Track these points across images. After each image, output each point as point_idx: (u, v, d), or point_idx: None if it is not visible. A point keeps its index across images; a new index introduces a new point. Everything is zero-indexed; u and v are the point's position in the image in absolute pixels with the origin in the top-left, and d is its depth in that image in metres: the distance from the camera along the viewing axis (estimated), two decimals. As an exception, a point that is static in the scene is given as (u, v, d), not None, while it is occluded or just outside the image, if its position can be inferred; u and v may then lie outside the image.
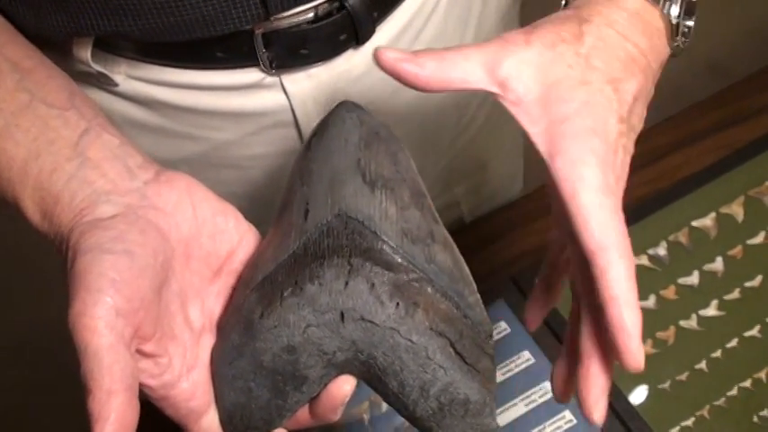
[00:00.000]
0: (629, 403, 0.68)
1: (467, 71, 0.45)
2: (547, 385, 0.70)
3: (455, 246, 0.47)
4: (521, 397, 0.70)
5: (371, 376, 0.45)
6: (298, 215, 0.46)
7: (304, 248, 0.45)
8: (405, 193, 0.46)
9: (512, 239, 0.80)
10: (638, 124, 0.46)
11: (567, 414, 0.69)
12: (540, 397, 0.70)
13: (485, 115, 0.77)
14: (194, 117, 0.62)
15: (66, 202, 0.44)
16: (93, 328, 0.40)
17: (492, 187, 0.86)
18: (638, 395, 0.69)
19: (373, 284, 0.43)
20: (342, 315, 0.43)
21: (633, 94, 0.45)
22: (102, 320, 0.40)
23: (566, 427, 0.69)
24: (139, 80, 0.60)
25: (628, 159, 0.45)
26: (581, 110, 0.43)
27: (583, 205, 0.42)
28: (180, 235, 0.45)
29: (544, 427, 0.69)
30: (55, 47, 0.57)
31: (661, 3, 0.47)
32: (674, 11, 0.48)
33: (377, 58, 0.45)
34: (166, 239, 0.44)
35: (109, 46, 0.58)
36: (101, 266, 0.41)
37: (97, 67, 0.58)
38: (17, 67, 0.47)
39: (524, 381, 0.71)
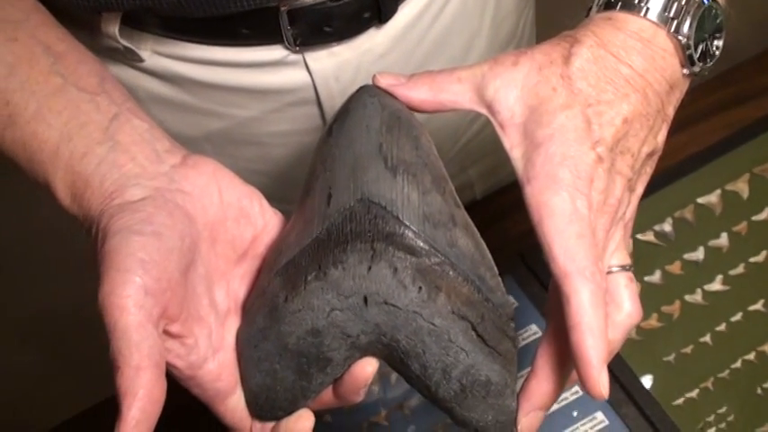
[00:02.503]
0: (634, 376, 0.70)
1: (457, 94, 0.46)
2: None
3: (476, 230, 0.48)
4: (521, 373, 0.71)
5: (394, 358, 0.46)
6: (320, 200, 0.47)
7: (327, 233, 0.45)
8: (426, 178, 0.47)
9: (520, 217, 0.80)
10: (639, 145, 0.46)
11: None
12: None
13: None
14: (218, 93, 0.62)
15: (97, 186, 0.44)
16: (122, 306, 0.40)
17: (505, 170, 0.87)
18: (644, 368, 0.71)
19: (396, 269, 0.44)
20: (365, 299, 0.44)
21: (624, 116, 0.44)
22: (131, 299, 0.40)
23: (572, 399, 0.69)
24: (165, 56, 0.61)
25: (620, 182, 0.45)
26: (555, 136, 0.44)
27: (546, 232, 0.43)
28: (206, 218, 0.46)
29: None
30: (82, 23, 0.58)
31: (668, 23, 0.46)
32: (685, 30, 0.46)
33: (374, 82, 0.47)
34: (193, 222, 0.45)
35: (136, 22, 0.59)
36: (130, 247, 0.41)
37: (125, 42, 0.59)
38: (50, 50, 0.47)
39: (531, 353, 0.72)
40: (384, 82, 0.48)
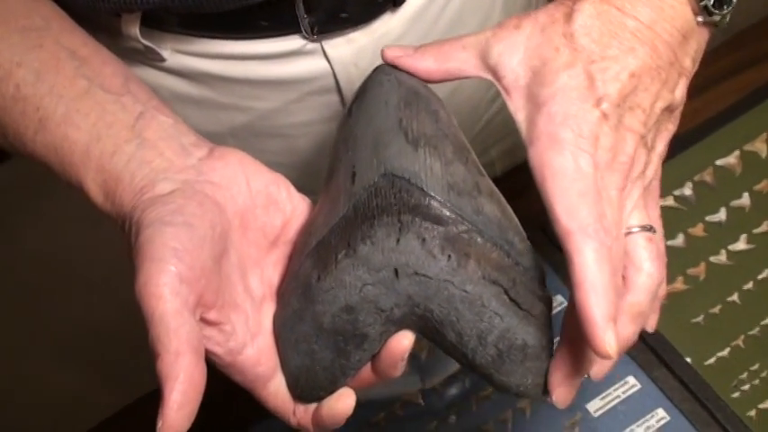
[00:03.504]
0: (663, 338, 0.70)
1: (462, 61, 0.46)
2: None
3: (501, 196, 0.48)
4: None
5: (429, 329, 0.46)
6: (345, 180, 0.47)
7: (354, 211, 0.45)
8: (448, 149, 0.47)
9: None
10: (652, 100, 0.44)
11: (631, 380, 0.69)
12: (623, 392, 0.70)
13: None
14: (239, 87, 0.63)
15: (127, 182, 0.45)
16: (158, 295, 0.41)
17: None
18: (673, 329, 0.71)
19: (424, 239, 0.44)
20: (396, 271, 0.44)
21: (631, 70, 0.43)
22: (167, 287, 0.41)
23: (629, 393, 0.69)
24: (186, 54, 0.61)
25: (632, 139, 0.44)
26: (557, 95, 0.43)
27: (549, 192, 0.43)
28: (236, 207, 0.46)
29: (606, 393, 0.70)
30: (102, 27, 0.58)
31: None
32: None
33: (382, 55, 0.47)
34: (223, 212, 0.45)
35: (155, 22, 0.59)
36: (163, 237, 0.42)
37: (146, 42, 0.59)
38: (75, 54, 0.48)
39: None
40: (391, 54, 0.48)
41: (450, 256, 0.44)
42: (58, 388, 1.60)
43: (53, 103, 0.47)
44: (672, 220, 0.75)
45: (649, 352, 0.69)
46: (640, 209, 0.46)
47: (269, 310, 0.48)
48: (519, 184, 0.82)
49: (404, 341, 0.46)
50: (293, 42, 0.61)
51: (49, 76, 0.47)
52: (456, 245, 0.44)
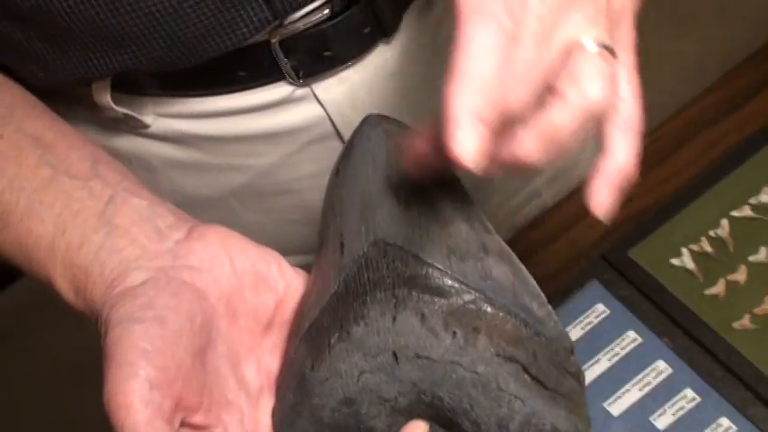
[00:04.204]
0: (755, 368, 0.62)
1: None
2: (660, 364, 0.65)
3: (514, 255, 0.43)
4: (633, 381, 0.64)
5: (441, 418, 0.41)
6: (334, 250, 0.43)
7: (345, 287, 0.41)
8: (446, 207, 0.42)
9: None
10: None
11: (689, 392, 0.63)
12: (654, 378, 0.64)
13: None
14: (231, 146, 0.60)
15: (97, 275, 0.42)
16: (127, 405, 0.38)
17: (574, 172, 0.81)
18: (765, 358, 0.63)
19: (423, 315, 0.39)
20: (395, 355, 0.40)
21: None
22: (136, 396, 0.38)
23: (689, 406, 0.63)
24: (169, 116, 0.58)
25: None
26: None
27: None
28: (220, 291, 0.43)
29: (664, 411, 0.63)
30: (80, 99, 0.56)
31: None
32: None
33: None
34: (204, 298, 0.42)
35: (130, 86, 0.56)
36: (130, 338, 0.39)
37: (122, 110, 0.57)
38: (39, 141, 0.46)
39: (634, 363, 0.65)
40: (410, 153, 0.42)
41: (455, 332, 0.39)
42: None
43: (14, 197, 0.45)
44: (751, 232, 0.68)
45: (741, 386, 0.62)
46: (596, 24, 0.38)
47: (268, 403, 0.44)
48: (573, 214, 0.77)
49: None
50: (280, 90, 0.57)
51: (10, 167, 0.45)
52: (462, 319, 0.40)
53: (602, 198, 0.39)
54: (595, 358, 0.65)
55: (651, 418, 0.62)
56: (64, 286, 0.44)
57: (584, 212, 0.75)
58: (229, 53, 0.52)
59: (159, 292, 0.41)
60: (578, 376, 0.41)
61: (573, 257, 0.71)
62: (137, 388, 0.38)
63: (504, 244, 0.42)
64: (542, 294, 0.41)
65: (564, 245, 0.73)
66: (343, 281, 0.41)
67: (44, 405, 1.68)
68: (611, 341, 0.66)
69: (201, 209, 0.57)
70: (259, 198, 0.62)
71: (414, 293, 0.40)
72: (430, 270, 0.40)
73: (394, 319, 0.40)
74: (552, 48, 0.37)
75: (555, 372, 0.40)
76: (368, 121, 0.45)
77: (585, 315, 0.66)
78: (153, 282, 0.41)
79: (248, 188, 0.62)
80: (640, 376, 0.64)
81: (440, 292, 0.40)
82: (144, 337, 0.39)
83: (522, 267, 0.42)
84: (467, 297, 0.40)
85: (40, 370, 1.70)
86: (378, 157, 0.43)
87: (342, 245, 0.42)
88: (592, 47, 0.38)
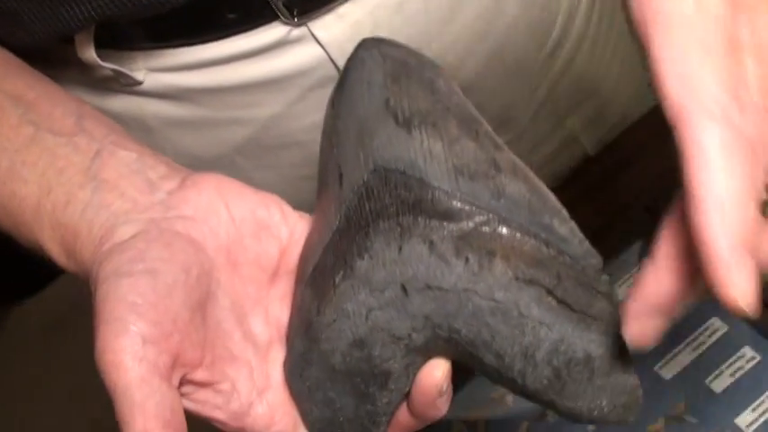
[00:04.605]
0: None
1: None
2: (715, 322, 0.59)
3: (529, 170, 0.38)
4: (685, 342, 0.59)
5: (462, 354, 0.38)
6: (334, 184, 0.40)
7: (346, 220, 0.39)
8: (451, 124, 0.38)
9: (644, 165, 0.70)
10: None
11: (748, 351, 0.58)
12: (708, 337, 0.59)
13: (578, 30, 0.66)
14: (229, 97, 0.56)
15: (86, 234, 0.40)
16: (118, 363, 0.35)
17: (614, 112, 0.75)
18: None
19: (432, 242, 0.36)
20: (404, 288, 0.37)
21: None
22: (128, 353, 0.35)
23: (748, 366, 0.57)
24: (161, 71, 0.54)
25: None
26: None
27: (652, 44, 0.31)
28: (218, 242, 0.40)
29: (721, 372, 0.57)
30: (72, 60, 0.53)
31: None
32: None
33: None
34: (201, 250, 0.39)
35: (117, 41, 0.53)
36: (117, 292, 0.37)
37: (111, 65, 0.53)
38: (20, 100, 0.44)
39: (686, 322, 0.60)
40: None
41: (467, 258, 0.36)
42: None
43: None
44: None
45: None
46: None
47: (279, 355, 0.42)
48: (616, 162, 0.72)
49: (435, 373, 0.38)
50: (274, 31, 0.52)
51: None
52: (474, 243, 0.36)
53: None
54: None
55: (707, 381, 0.57)
56: (54, 249, 0.41)
57: (627, 161, 0.71)
58: None
59: (150, 244, 0.38)
60: (610, 296, 0.37)
61: (620, 208, 0.67)
62: (127, 344, 0.35)
63: (517, 160, 0.38)
64: (564, 210, 0.37)
65: (608, 196, 0.68)
66: (344, 214, 0.39)
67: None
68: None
69: (207, 170, 0.53)
70: (265, 153, 0.58)
71: (420, 220, 0.37)
72: (436, 193, 0.37)
73: (400, 249, 0.37)
74: None
75: (583, 293, 0.36)
76: (363, 45, 0.42)
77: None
78: (143, 234, 0.39)
79: (252, 142, 0.58)
80: (693, 336, 0.60)
81: (448, 215, 0.36)
82: (133, 291, 0.36)
83: (540, 183, 0.38)
84: (478, 219, 0.36)
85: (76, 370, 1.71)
86: (374, 80, 0.40)
87: (341, 176, 0.40)
88: None
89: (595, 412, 0.38)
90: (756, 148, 0.30)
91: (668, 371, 0.58)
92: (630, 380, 0.38)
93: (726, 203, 0.29)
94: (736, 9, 0.31)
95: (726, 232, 0.29)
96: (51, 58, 0.52)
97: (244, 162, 0.59)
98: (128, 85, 0.55)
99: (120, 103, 0.56)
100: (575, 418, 0.39)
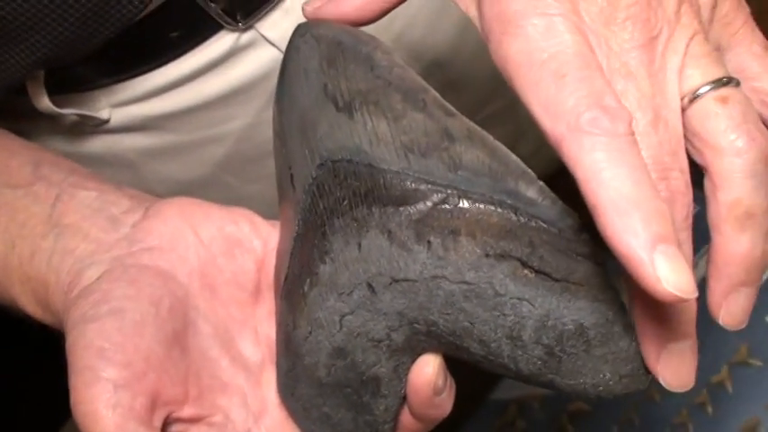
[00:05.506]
0: None
1: None
2: None
3: (487, 134, 0.35)
4: None
5: (447, 346, 0.35)
6: (288, 187, 0.38)
7: (304, 224, 0.37)
8: (393, 100, 0.35)
9: None
10: None
11: None
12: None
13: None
14: (198, 116, 0.54)
15: (54, 283, 0.39)
16: (92, 413, 0.34)
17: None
18: None
19: (390, 231, 0.34)
20: (370, 286, 0.35)
21: None
22: (100, 401, 0.35)
23: None
24: (124, 104, 0.53)
25: None
26: None
27: (520, 90, 0.31)
28: (189, 267, 0.39)
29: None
30: (35, 114, 0.52)
31: None
32: None
33: (304, 15, 0.38)
34: (172, 279, 0.38)
35: (73, 83, 0.52)
36: (85, 338, 0.36)
37: (71, 111, 0.52)
38: None
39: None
40: (309, 9, 0.38)
41: (429, 242, 0.33)
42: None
43: None
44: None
45: None
46: (703, 58, 0.32)
47: (273, 376, 0.40)
48: None
49: (425, 370, 0.36)
50: (224, 41, 0.51)
51: None
52: (434, 224, 0.33)
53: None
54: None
55: (767, 318, 0.54)
56: (29, 304, 0.41)
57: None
58: (152, 14, 0.47)
59: (113, 284, 0.37)
60: (595, 256, 0.33)
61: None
62: (99, 392, 0.35)
63: (472, 124, 0.35)
64: (530, 171, 0.33)
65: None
66: (301, 218, 0.37)
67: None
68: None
69: (197, 193, 0.52)
70: (249, 165, 0.57)
71: (374, 210, 0.34)
72: (387, 177, 0.34)
73: (359, 245, 0.35)
74: (673, 121, 0.32)
75: (563, 259, 0.33)
76: (297, 31, 0.39)
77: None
78: (107, 274, 0.38)
79: (233, 157, 0.56)
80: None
81: (403, 199, 0.34)
82: (99, 336, 0.35)
83: (500, 145, 0.34)
84: (436, 197, 0.33)
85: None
86: (310, 66, 0.37)
87: (291, 177, 0.38)
88: (708, 96, 0.32)
89: (600, 387, 0.35)
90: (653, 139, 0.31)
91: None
92: (632, 345, 0.34)
93: (619, 204, 0.28)
94: (581, 33, 0.31)
95: (633, 232, 0.28)
96: (16, 111, 0.52)
97: (231, 179, 0.58)
98: (96, 126, 0.54)
99: (96, 144, 0.55)
100: (580, 396, 0.36)
